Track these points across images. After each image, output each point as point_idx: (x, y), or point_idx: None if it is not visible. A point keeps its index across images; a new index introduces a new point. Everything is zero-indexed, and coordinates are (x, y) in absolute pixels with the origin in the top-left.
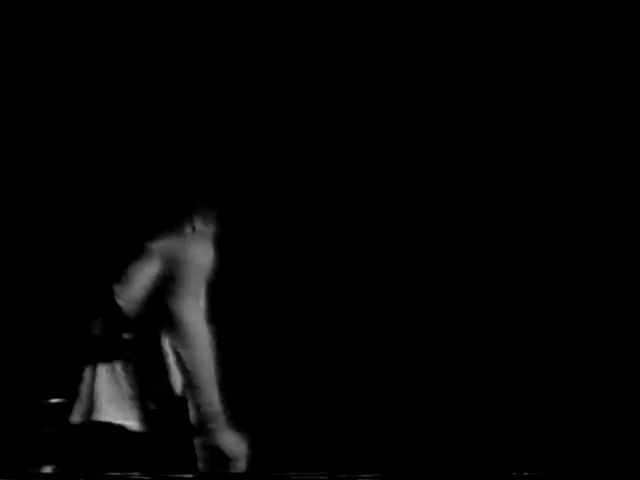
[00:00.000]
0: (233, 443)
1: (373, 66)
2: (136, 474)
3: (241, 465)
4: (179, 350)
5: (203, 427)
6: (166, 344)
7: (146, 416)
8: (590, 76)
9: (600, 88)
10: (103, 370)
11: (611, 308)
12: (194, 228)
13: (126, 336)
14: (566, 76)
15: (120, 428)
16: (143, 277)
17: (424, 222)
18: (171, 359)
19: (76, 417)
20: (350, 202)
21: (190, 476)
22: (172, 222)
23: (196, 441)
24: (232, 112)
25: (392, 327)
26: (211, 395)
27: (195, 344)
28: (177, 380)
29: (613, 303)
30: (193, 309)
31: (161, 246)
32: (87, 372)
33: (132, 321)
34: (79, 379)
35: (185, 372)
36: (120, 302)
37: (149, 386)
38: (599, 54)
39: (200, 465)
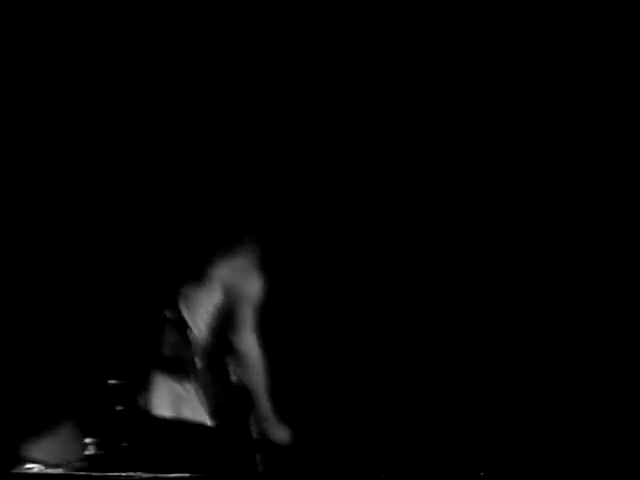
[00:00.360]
0: (278, 433)
1: (373, 66)
2: (137, 474)
3: (285, 447)
4: (238, 371)
5: (257, 424)
6: (228, 364)
7: (216, 416)
8: (590, 76)
9: (600, 88)
10: (181, 376)
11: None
12: (247, 261)
13: (195, 351)
14: (566, 76)
15: (198, 425)
16: (207, 303)
17: (426, 224)
18: (232, 375)
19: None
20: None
21: (187, 475)
22: (230, 254)
23: (252, 433)
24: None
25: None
26: (262, 403)
27: (250, 368)
28: (236, 391)
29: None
30: (248, 339)
31: (221, 276)
32: (164, 377)
33: (199, 339)
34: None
35: (242, 386)
36: (188, 322)
37: (217, 395)
38: (599, 54)
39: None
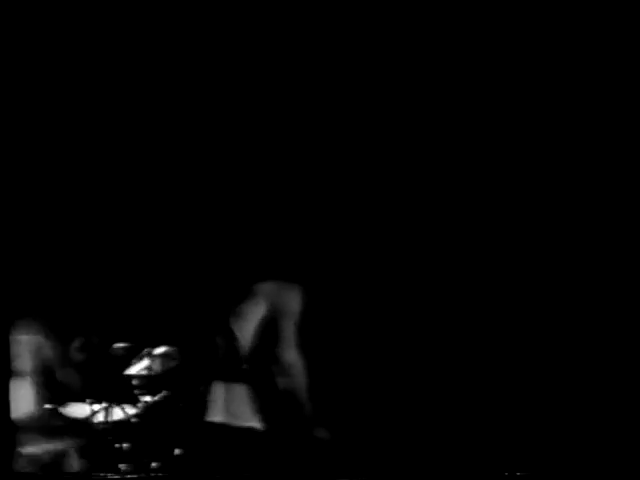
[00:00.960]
0: (318, 432)
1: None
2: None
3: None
4: (283, 379)
5: (300, 425)
6: (273, 373)
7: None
8: (590, 76)
9: (600, 88)
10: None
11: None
12: (288, 279)
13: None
14: (566, 76)
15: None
16: (253, 317)
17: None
18: (277, 382)
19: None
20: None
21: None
22: (273, 273)
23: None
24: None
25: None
26: (305, 406)
27: (293, 376)
28: (282, 396)
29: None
30: (291, 350)
31: (266, 293)
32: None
33: (247, 350)
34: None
35: (287, 392)
36: (237, 335)
37: (264, 400)
38: (599, 54)
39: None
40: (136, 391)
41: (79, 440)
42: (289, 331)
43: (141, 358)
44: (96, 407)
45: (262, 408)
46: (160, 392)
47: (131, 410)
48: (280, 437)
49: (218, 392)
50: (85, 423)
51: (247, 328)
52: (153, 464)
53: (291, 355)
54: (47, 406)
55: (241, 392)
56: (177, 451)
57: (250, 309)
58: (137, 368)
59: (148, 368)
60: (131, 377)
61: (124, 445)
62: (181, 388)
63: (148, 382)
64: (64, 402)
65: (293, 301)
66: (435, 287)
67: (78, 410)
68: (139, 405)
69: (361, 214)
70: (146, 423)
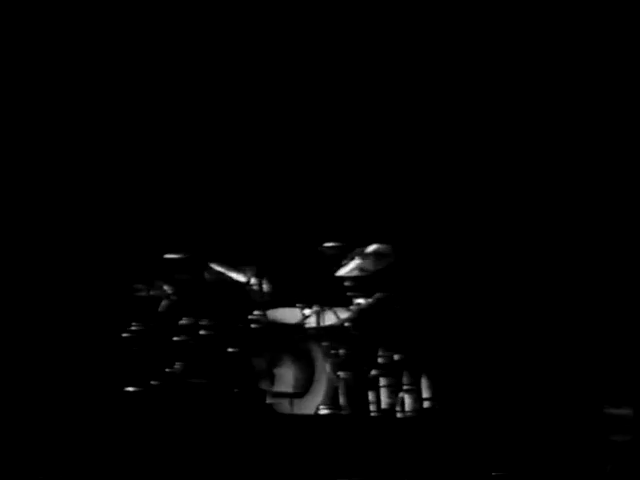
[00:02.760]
0: None
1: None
2: None
3: None
4: None
5: None
6: None
7: None
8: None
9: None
10: None
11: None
12: None
13: None
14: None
15: None
16: None
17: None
18: None
19: None
20: None
21: None
22: None
23: None
24: None
25: None
26: None
27: None
28: None
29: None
30: None
31: None
32: None
33: None
34: None
35: None
36: None
37: None
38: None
39: None
40: (348, 293)
41: (291, 346)
42: None
43: (352, 258)
44: (307, 311)
45: None
46: (374, 294)
47: (344, 314)
48: None
49: None
50: (297, 328)
51: None
52: (372, 371)
53: None
54: (257, 312)
55: None
56: (396, 357)
57: None
58: (348, 269)
59: (360, 268)
60: (342, 279)
61: (340, 351)
62: (397, 289)
63: (361, 283)
64: (274, 307)
65: None
66: None
67: (289, 315)
68: (352, 308)
69: None
70: (361, 327)
